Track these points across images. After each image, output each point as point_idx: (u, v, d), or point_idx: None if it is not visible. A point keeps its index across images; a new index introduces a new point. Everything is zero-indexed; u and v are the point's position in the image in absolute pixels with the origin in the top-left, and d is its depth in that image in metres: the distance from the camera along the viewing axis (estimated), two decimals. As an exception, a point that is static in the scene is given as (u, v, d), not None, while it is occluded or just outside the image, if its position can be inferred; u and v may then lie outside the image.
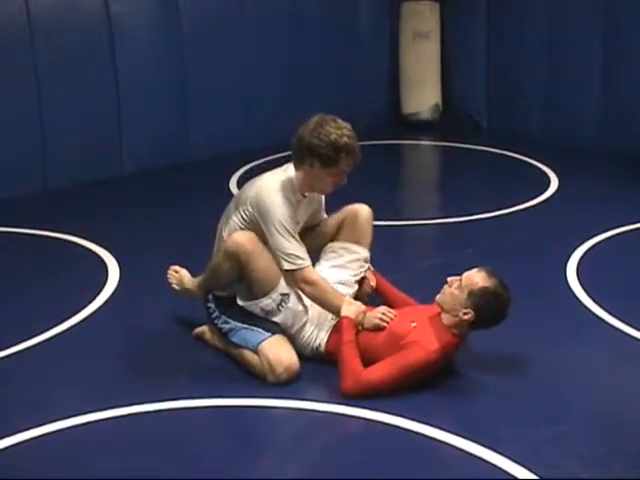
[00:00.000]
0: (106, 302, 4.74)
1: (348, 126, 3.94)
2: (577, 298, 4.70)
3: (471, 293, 3.77)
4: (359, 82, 8.36)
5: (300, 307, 3.99)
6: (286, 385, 3.84)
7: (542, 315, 4.50)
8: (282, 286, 3.94)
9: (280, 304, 3.94)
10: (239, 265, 3.90)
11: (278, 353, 3.87)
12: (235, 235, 3.92)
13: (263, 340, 3.92)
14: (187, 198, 6.58)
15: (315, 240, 4.21)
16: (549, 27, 7.75)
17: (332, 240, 4.30)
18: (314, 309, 4.03)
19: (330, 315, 4.02)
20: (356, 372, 3.73)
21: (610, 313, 4.48)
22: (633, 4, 7.23)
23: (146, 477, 3.24)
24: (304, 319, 3.99)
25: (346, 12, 8.19)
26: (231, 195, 6.06)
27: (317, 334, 4.01)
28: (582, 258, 5.21)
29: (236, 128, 7.56)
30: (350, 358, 3.77)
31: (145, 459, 3.37)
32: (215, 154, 7.36)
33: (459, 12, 8.45)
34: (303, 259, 3.93)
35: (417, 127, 8.52)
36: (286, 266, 3.91)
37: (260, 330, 3.95)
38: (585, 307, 4.59)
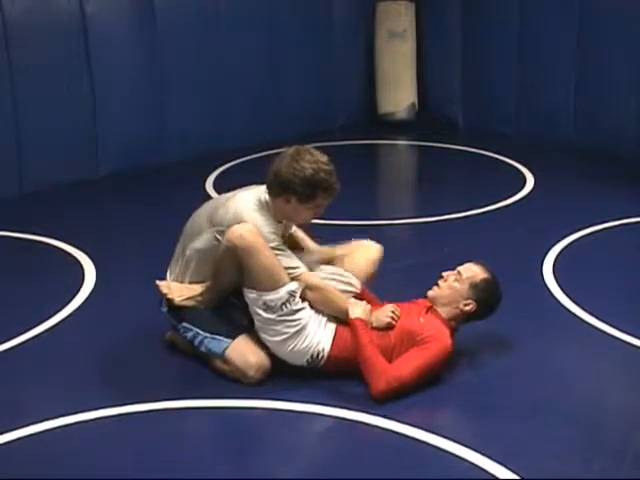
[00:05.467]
0: (82, 305, 4.71)
1: (324, 158, 3.84)
2: (554, 296, 4.72)
3: (473, 285, 3.90)
4: (335, 82, 8.36)
5: (301, 308, 3.82)
6: (261, 384, 3.83)
7: (519, 313, 4.51)
8: (292, 284, 3.79)
9: (285, 303, 3.77)
10: (239, 260, 3.73)
11: (245, 356, 3.84)
12: (234, 228, 3.73)
13: (227, 347, 3.87)
14: (164, 199, 6.56)
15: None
16: (523, 26, 7.79)
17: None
18: (311, 312, 3.89)
19: (325, 318, 3.91)
20: (387, 372, 3.70)
21: (587, 311, 4.50)
22: (607, 1, 7.27)
23: (124, 478, 3.24)
24: (302, 323, 3.83)
25: (321, 12, 8.19)
26: (208, 196, 6.06)
27: (320, 338, 3.85)
28: (558, 256, 5.24)
29: (212, 129, 7.55)
30: (376, 358, 3.73)
31: (122, 461, 3.35)
32: (192, 155, 7.35)
33: (434, 12, 8.48)
34: (297, 267, 3.85)
35: (393, 127, 8.54)
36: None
37: (222, 338, 3.89)
38: (562, 305, 4.61)
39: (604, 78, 7.35)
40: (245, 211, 3.82)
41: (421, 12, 8.52)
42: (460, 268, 3.98)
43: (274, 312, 3.78)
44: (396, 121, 8.56)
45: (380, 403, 3.65)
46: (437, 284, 3.98)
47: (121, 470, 3.29)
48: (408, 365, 3.72)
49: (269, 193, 3.88)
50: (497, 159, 7.45)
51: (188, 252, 3.99)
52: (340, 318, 3.90)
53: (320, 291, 3.88)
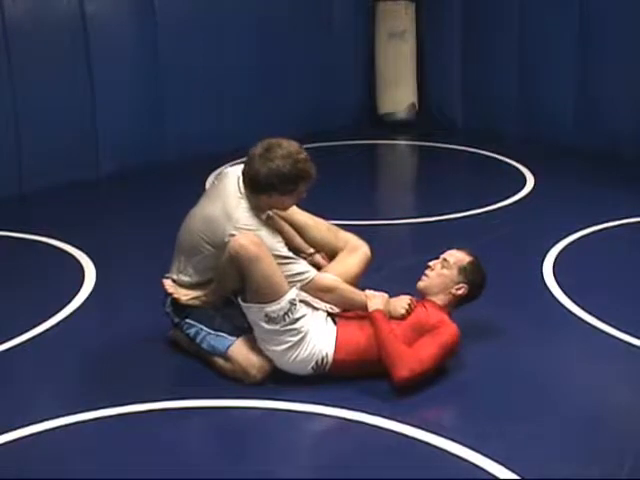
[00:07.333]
0: (82, 305, 4.71)
1: (294, 146, 3.82)
2: (554, 296, 4.72)
3: (461, 269, 3.99)
4: (335, 82, 8.37)
5: (302, 315, 3.80)
6: (262, 384, 3.83)
7: (519, 314, 4.52)
8: (292, 292, 3.77)
9: (287, 313, 3.75)
10: (241, 269, 3.72)
11: (248, 355, 3.85)
12: (237, 238, 3.71)
13: (230, 345, 3.87)
14: (164, 199, 6.55)
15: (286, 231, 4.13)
16: (524, 26, 7.80)
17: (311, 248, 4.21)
18: (311, 317, 3.87)
19: (324, 322, 3.89)
20: (409, 358, 3.72)
21: (587, 311, 4.50)
22: (607, 1, 7.27)
23: (124, 478, 3.24)
24: (304, 331, 3.80)
25: (321, 12, 8.21)
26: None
27: (322, 345, 3.83)
28: (558, 256, 5.24)
29: (212, 128, 7.55)
30: (398, 346, 3.75)
31: (122, 461, 3.35)
32: (191, 154, 7.35)
33: (434, 12, 8.48)
34: (307, 271, 3.85)
35: (393, 127, 8.54)
36: (297, 285, 3.82)
37: (225, 335, 3.90)
38: (562, 306, 4.61)
39: (604, 78, 7.35)
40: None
41: (421, 12, 8.53)
42: (444, 255, 4.08)
43: (277, 323, 3.77)
44: (396, 121, 8.56)
45: (402, 391, 3.70)
46: (425, 274, 4.06)
47: (121, 470, 3.29)
48: (426, 350, 3.76)
49: (248, 191, 3.85)
50: (497, 159, 7.45)
51: (191, 269, 3.97)
52: (341, 314, 3.97)
53: (336, 292, 3.92)
